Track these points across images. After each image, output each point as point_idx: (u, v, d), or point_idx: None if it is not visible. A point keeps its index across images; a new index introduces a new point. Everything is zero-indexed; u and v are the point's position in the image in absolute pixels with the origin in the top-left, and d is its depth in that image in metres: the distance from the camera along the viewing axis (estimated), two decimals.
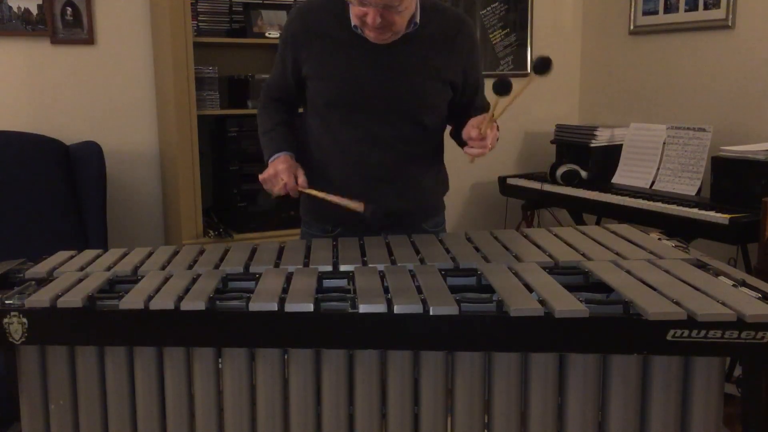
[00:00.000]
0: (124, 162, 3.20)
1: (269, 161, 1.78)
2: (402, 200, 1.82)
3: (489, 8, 3.89)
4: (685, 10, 3.39)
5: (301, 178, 1.73)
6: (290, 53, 1.80)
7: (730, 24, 3.19)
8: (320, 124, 1.82)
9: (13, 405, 1.43)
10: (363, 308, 1.27)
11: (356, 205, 1.68)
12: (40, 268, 1.54)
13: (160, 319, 1.31)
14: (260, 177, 1.75)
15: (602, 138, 3.45)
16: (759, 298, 1.28)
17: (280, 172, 1.72)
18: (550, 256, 1.53)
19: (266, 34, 3.05)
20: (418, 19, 1.70)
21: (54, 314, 1.33)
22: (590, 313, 1.23)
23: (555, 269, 1.47)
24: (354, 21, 1.69)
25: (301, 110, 1.94)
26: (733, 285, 1.36)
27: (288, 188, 1.72)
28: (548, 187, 3.42)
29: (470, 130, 1.67)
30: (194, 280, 1.42)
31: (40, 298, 1.34)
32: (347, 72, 1.74)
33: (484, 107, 1.87)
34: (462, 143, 1.77)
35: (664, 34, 3.53)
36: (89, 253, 1.65)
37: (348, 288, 1.42)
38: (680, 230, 2.67)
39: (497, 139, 1.73)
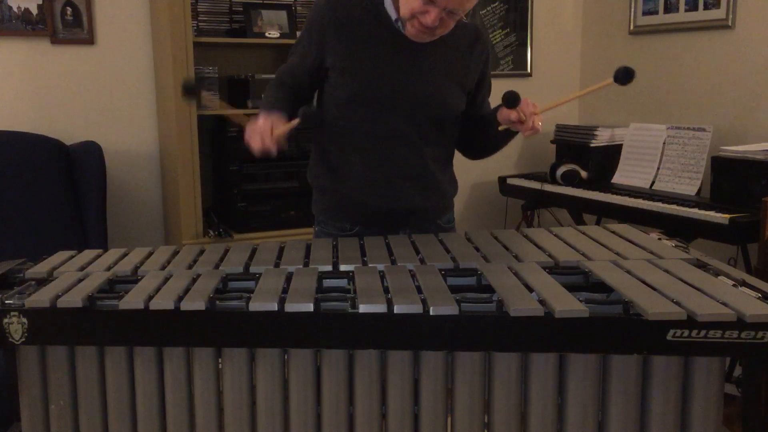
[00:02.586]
0: (124, 162, 3.20)
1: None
2: (422, 198, 1.83)
3: (489, 8, 3.89)
4: (685, 10, 3.39)
5: (279, 128, 1.60)
6: (315, 41, 1.75)
7: (730, 24, 3.19)
8: (340, 120, 1.79)
9: (13, 405, 1.43)
10: (363, 308, 1.27)
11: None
12: (40, 268, 1.54)
13: (160, 319, 1.31)
14: (245, 137, 1.62)
15: (602, 138, 3.45)
16: (759, 298, 1.28)
17: (258, 127, 1.59)
18: (550, 256, 1.53)
19: (266, 34, 3.06)
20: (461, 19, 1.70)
21: (54, 314, 1.33)
22: (590, 313, 1.23)
23: (555, 269, 1.47)
24: (403, 13, 1.65)
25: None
26: (733, 285, 1.36)
27: (264, 140, 1.57)
28: (548, 187, 3.42)
29: (507, 116, 1.69)
30: (194, 280, 1.42)
31: (40, 298, 1.34)
32: (374, 68, 1.73)
33: (491, 116, 1.88)
34: (478, 143, 1.85)
35: (664, 34, 3.54)
36: (89, 253, 1.65)
37: (348, 288, 1.42)
38: (680, 230, 2.67)
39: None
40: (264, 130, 1.58)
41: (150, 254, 1.63)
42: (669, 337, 1.21)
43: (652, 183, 3.17)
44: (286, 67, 1.86)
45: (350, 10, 1.74)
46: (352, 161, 1.80)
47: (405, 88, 1.75)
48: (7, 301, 1.36)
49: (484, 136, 1.89)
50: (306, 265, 1.53)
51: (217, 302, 1.32)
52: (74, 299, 1.33)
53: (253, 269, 1.51)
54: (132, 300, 1.32)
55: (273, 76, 3.04)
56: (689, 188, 2.99)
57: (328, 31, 1.74)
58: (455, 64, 1.79)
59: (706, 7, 3.29)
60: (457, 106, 1.84)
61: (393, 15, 1.70)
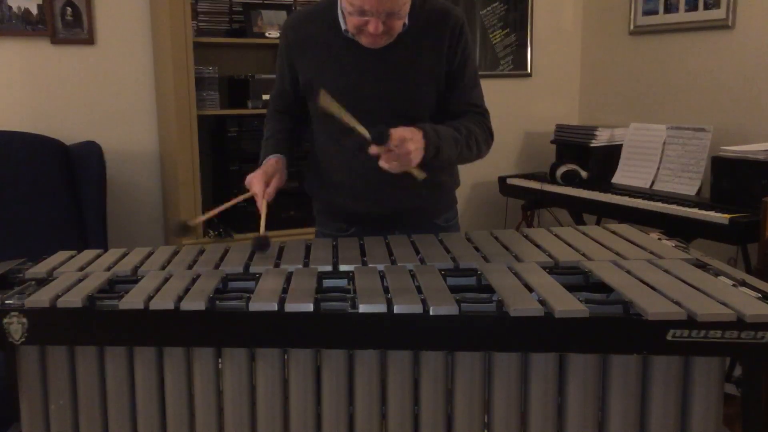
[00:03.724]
0: (124, 162, 3.20)
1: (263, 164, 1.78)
2: (411, 198, 1.83)
3: (489, 8, 3.89)
4: (685, 10, 3.39)
5: (271, 188, 1.69)
6: (286, 64, 1.82)
7: (730, 24, 3.19)
8: (323, 132, 1.84)
9: (13, 405, 1.43)
10: (363, 308, 1.27)
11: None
12: (40, 268, 1.54)
13: (160, 319, 1.31)
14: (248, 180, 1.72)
15: (602, 138, 3.45)
16: (759, 298, 1.28)
17: (252, 179, 1.70)
18: (550, 256, 1.53)
19: (266, 34, 3.05)
20: (407, 20, 1.69)
21: (54, 314, 1.33)
22: (590, 313, 1.23)
23: (555, 269, 1.47)
24: (349, 29, 1.68)
25: None
26: (733, 285, 1.36)
27: (257, 198, 1.67)
28: (548, 187, 3.42)
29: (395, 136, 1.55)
30: (194, 280, 1.42)
31: (40, 298, 1.34)
32: (340, 79, 1.75)
33: (475, 110, 1.80)
34: None
35: (664, 34, 3.53)
36: (89, 253, 1.65)
37: (348, 288, 1.42)
38: (680, 230, 2.67)
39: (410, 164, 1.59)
40: (258, 194, 1.67)
41: (150, 254, 1.63)
42: (669, 337, 1.21)
43: (652, 183, 3.17)
44: (274, 92, 1.93)
45: (310, 28, 1.77)
46: (333, 170, 1.85)
47: (370, 93, 1.74)
48: (7, 301, 1.36)
49: None
50: (306, 265, 1.53)
51: (217, 302, 1.32)
52: (74, 299, 1.33)
53: (253, 269, 1.51)
54: (132, 300, 1.32)
55: (273, 76, 3.07)
56: (689, 188, 2.99)
57: (293, 53, 1.79)
58: (423, 54, 1.74)
59: (706, 7, 3.29)
60: (432, 100, 1.79)
61: (344, 26, 1.71)
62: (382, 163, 1.56)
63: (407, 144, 1.54)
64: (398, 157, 1.54)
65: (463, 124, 1.75)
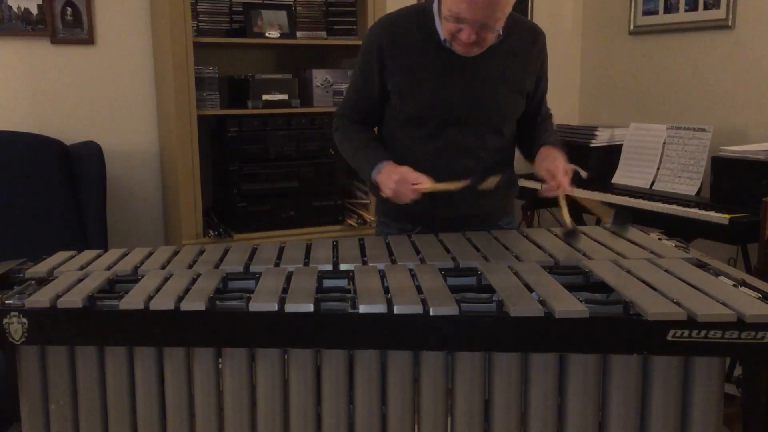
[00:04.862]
0: (124, 162, 3.20)
1: (375, 172, 1.75)
2: (482, 205, 1.86)
3: None
4: (685, 10, 3.39)
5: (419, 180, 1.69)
6: (376, 66, 1.80)
7: (730, 24, 3.19)
8: (403, 137, 1.85)
9: (13, 405, 1.43)
10: (363, 308, 1.27)
11: (459, 185, 1.71)
12: (40, 268, 1.54)
13: (160, 319, 1.31)
14: (388, 191, 1.70)
15: (602, 138, 3.45)
16: (759, 298, 1.28)
17: (405, 174, 1.68)
18: (550, 256, 1.53)
19: (266, 34, 3.05)
20: (501, 31, 1.70)
21: (54, 314, 1.33)
22: (590, 313, 1.23)
23: (555, 269, 1.47)
24: (444, 35, 1.70)
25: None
26: (733, 285, 1.36)
27: (418, 191, 1.67)
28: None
29: (544, 173, 1.74)
30: (194, 280, 1.42)
31: (40, 298, 1.34)
32: (433, 87, 1.76)
33: (546, 114, 1.98)
34: (527, 154, 1.93)
35: (664, 34, 3.53)
36: (89, 253, 1.65)
37: (348, 288, 1.42)
38: (680, 230, 2.67)
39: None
40: (406, 188, 1.67)
41: (150, 254, 1.63)
42: (669, 337, 1.21)
43: (652, 183, 3.16)
44: (349, 104, 1.91)
45: (405, 33, 1.77)
46: None
47: (463, 103, 1.77)
48: (7, 301, 1.36)
49: (526, 146, 1.95)
50: (306, 265, 1.53)
51: (217, 302, 1.32)
52: (74, 299, 1.33)
53: (253, 269, 1.51)
54: (132, 300, 1.32)
55: (273, 76, 3.05)
56: (689, 188, 2.99)
57: (386, 56, 1.78)
58: (513, 70, 1.80)
59: (706, 7, 3.29)
60: (516, 112, 1.87)
61: (442, 36, 1.73)
62: (547, 192, 1.72)
63: (568, 172, 1.74)
64: (563, 184, 1.70)
65: (552, 130, 1.96)
